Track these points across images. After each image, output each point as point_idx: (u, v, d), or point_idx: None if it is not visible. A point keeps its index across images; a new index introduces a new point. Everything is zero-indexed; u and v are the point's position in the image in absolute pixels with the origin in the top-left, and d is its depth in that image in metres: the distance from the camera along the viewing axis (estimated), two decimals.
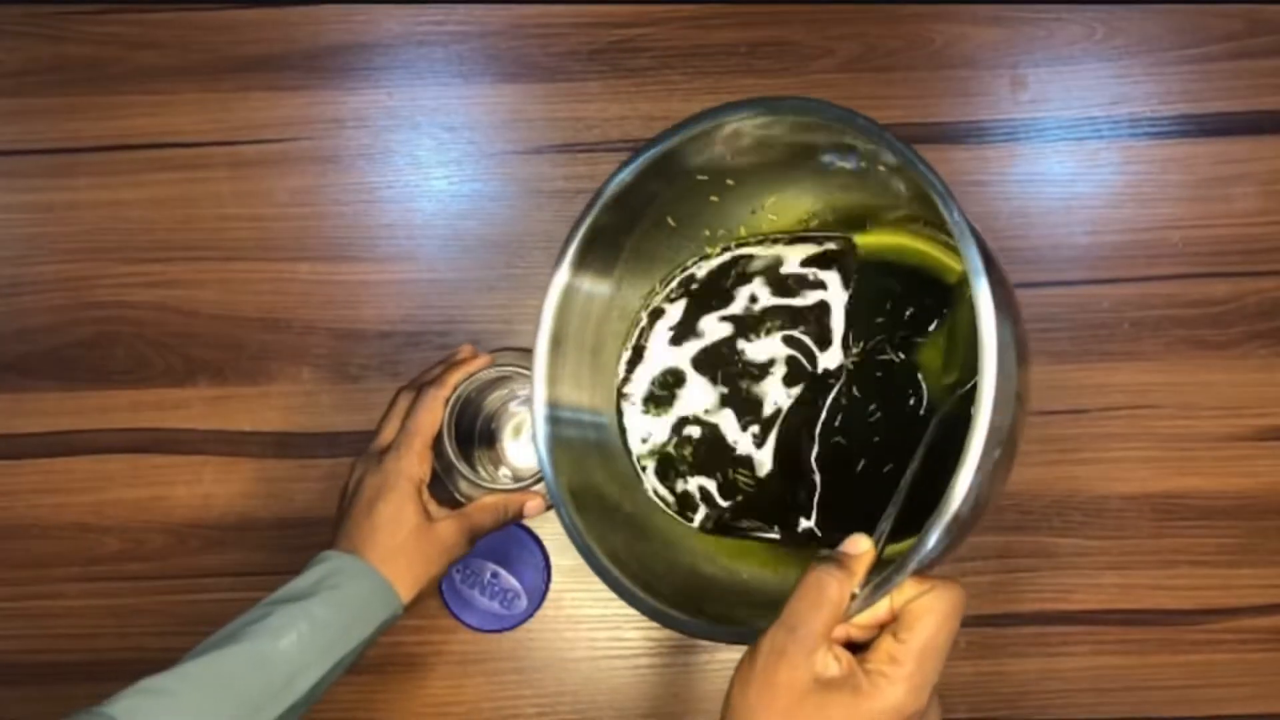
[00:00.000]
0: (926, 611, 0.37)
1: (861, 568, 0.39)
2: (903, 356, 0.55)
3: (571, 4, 0.76)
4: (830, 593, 0.38)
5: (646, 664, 0.73)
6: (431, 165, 0.76)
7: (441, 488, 0.61)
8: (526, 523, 0.71)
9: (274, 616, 0.51)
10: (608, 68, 0.76)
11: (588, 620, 0.73)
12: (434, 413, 0.59)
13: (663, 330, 0.59)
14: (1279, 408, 0.73)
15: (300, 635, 0.51)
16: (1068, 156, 0.75)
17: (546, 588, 0.72)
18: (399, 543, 0.56)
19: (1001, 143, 0.75)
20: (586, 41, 0.76)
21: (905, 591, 0.38)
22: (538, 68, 0.76)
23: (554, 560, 0.72)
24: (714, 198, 0.56)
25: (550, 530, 0.73)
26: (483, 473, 0.62)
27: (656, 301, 0.59)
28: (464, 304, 0.75)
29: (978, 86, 0.76)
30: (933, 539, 0.36)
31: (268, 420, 0.74)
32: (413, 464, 0.57)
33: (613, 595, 0.73)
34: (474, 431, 0.66)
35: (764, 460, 0.56)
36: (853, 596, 0.38)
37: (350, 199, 0.75)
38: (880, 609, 0.38)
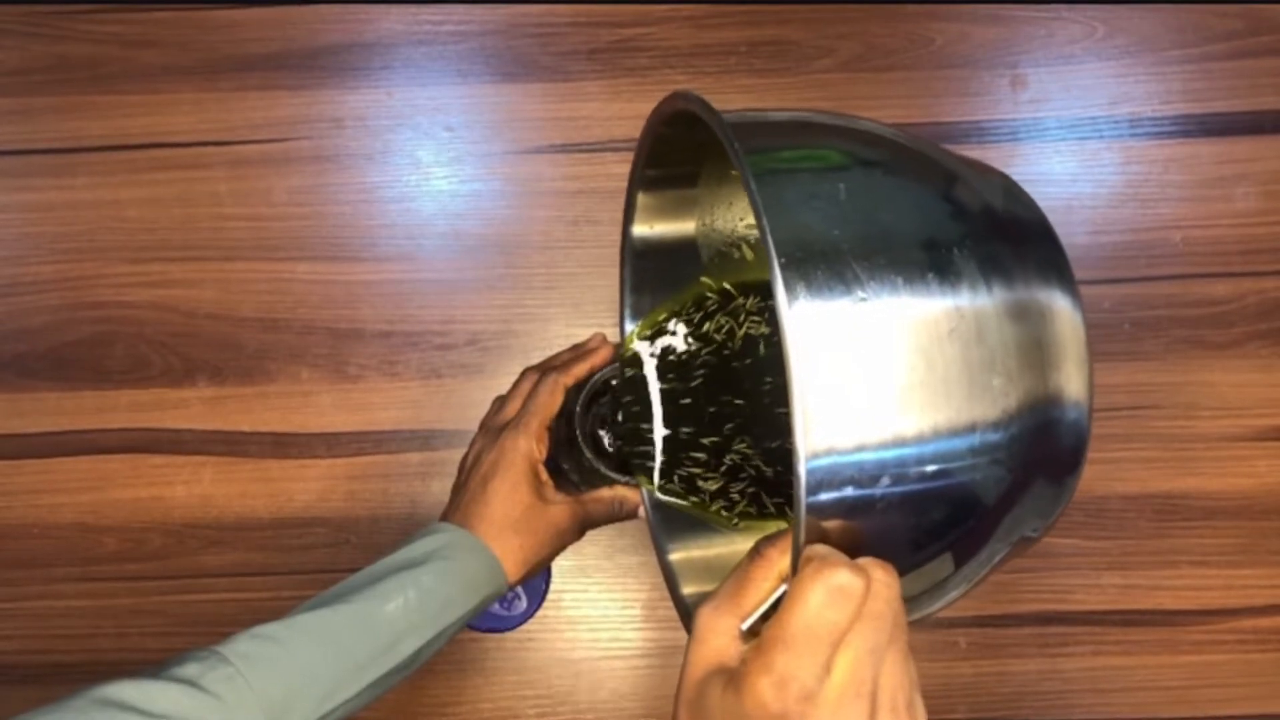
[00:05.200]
0: (794, 593, 0.31)
1: (788, 541, 0.33)
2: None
3: (571, 4, 0.76)
4: (748, 570, 0.34)
5: (646, 664, 0.73)
6: (431, 165, 0.76)
7: (560, 475, 0.61)
8: None
9: (384, 581, 0.52)
10: (608, 68, 0.76)
11: (587, 621, 0.73)
12: (555, 396, 0.59)
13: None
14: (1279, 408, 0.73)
15: (407, 601, 0.51)
16: (1068, 156, 0.75)
17: (546, 588, 0.72)
18: (512, 521, 0.56)
19: (1002, 142, 0.75)
20: (586, 41, 0.76)
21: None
22: (537, 68, 0.76)
23: (554, 561, 0.72)
24: None
25: None
26: (601, 464, 0.61)
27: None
28: (463, 304, 0.75)
29: (978, 86, 0.76)
30: (801, 494, 0.31)
31: (267, 420, 0.74)
32: (530, 443, 0.58)
33: (612, 596, 0.74)
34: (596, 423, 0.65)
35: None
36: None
37: (349, 199, 0.75)
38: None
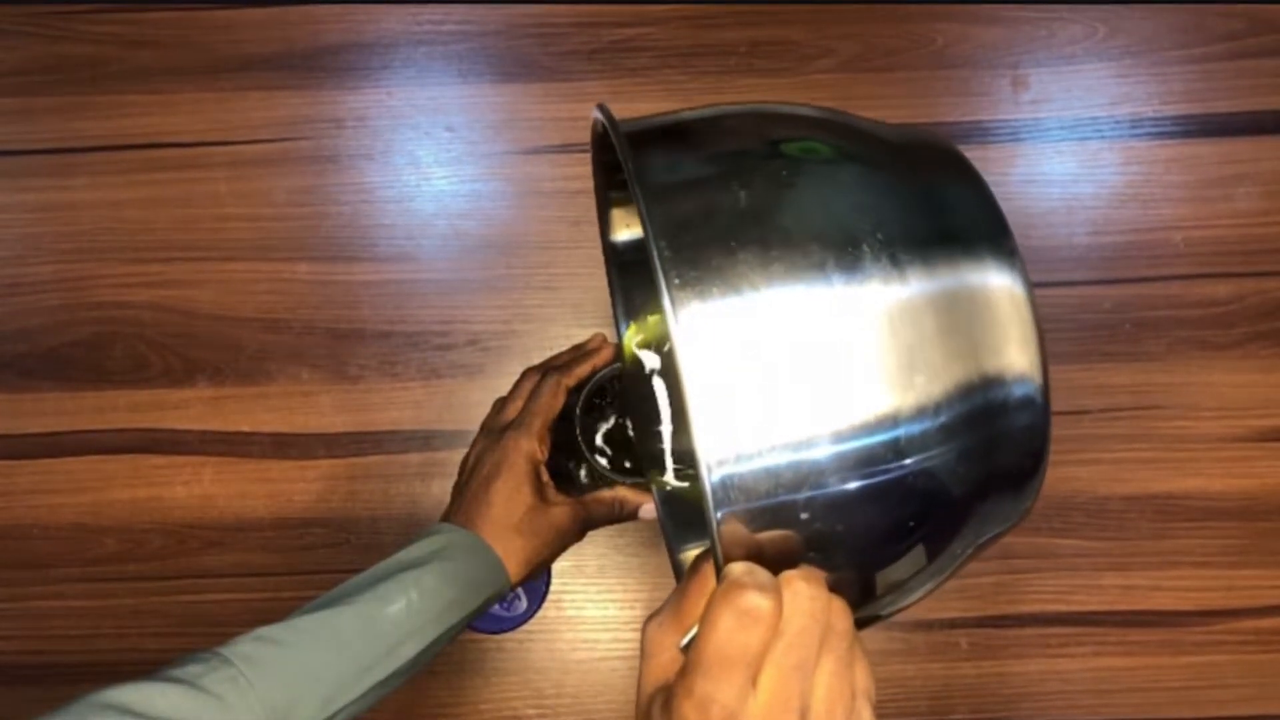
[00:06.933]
0: (705, 617, 0.30)
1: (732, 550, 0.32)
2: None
3: (571, 4, 0.76)
4: (687, 586, 0.33)
5: None
6: (431, 165, 0.76)
7: (560, 476, 0.61)
8: None
9: (386, 583, 0.52)
10: (608, 68, 0.76)
11: (587, 621, 0.73)
12: (557, 398, 0.60)
13: None
14: None
15: (409, 603, 0.51)
16: (1069, 156, 0.75)
17: (546, 589, 0.72)
18: (514, 521, 0.56)
19: (1003, 143, 0.75)
20: (586, 41, 0.76)
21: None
22: (537, 68, 0.76)
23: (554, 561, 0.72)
24: None
25: None
26: (602, 465, 0.62)
27: None
28: (463, 304, 0.74)
29: (979, 86, 0.75)
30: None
31: (266, 421, 0.74)
32: (532, 444, 0.58)
33: (612, 596, 0.74)
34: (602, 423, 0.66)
35: None
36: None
37: (349, 199, 0.75)
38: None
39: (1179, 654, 0.72)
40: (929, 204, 0.37)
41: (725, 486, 0.31)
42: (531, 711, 0.73)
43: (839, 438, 0.32)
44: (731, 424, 0.31)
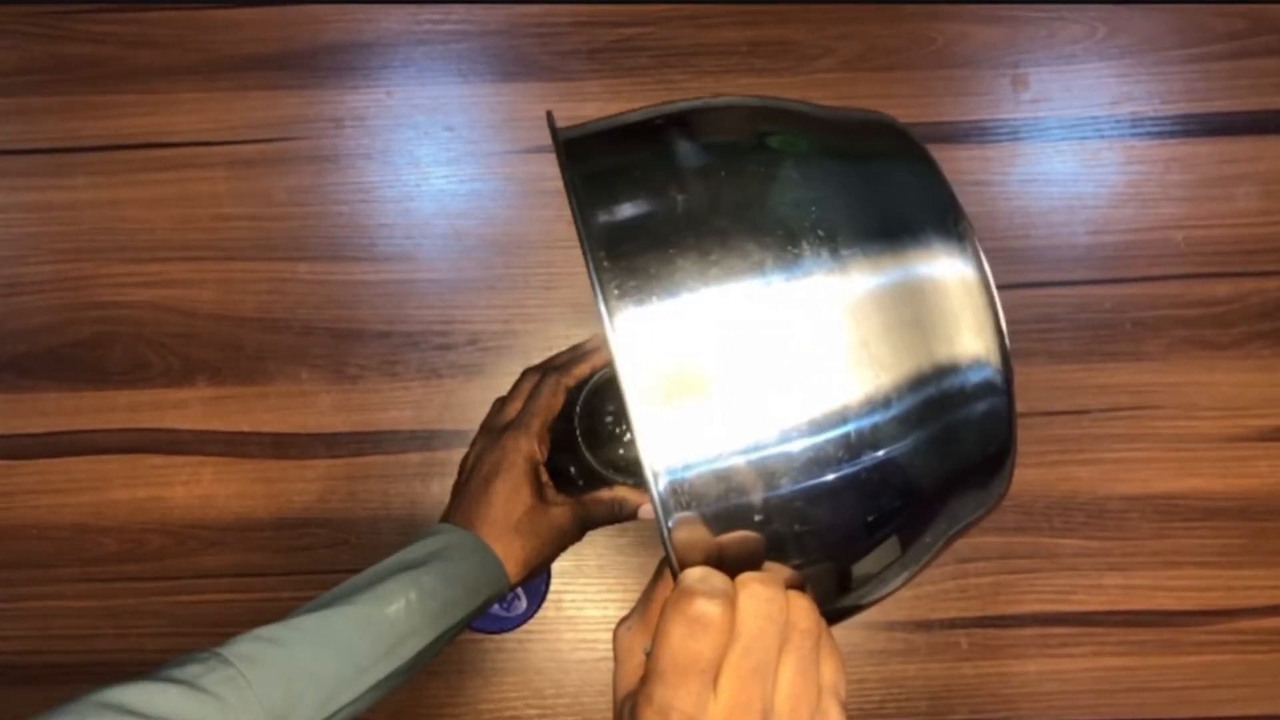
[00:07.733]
0: (659, 626, 0.30)
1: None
2: None
3: (571, 4, 0.76)
4: (652, 592, 0.33)
5: None
6: (431, 165, 0.76)
7: (560, 476, 0.61)
8: None
9: (385, 583, 0.52)
10: (608, 67, 0.76)
11: (587, 622, 0.73)
12: (556, 397, 0.60)
13: None
14: None
15: (409, 603, 0.51)
16: (1070, 156, 0.75)
17: (546, 589, 0.72)
18: (513, 522, 0.56)
19: (1003, 142, 0.75)
20: (586, 41, 0.76)
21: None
22: (538, 67, 0.76)
23: (554, 561, 0.72)
24: None
25: None
26: (601, 465, 0.62)
27: None
28: (463, 304, 0.74)
29: (979, 86, 0.75)
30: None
31: (266, 421, 0.74)
32: (532, 444, 0.58)
33: (612, 596, 0.74)
34: (600, 423, 0.66)
35: None
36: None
37: (349, 198, 0.75)
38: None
39: (1179, 654, 0.72)
40: (872, 191, 0.36)
41: (675, 492, 0.31)
42: (531, 711, 0.73)
43: (786, 437, 0.31)
44: (676, 430, 0.31)
